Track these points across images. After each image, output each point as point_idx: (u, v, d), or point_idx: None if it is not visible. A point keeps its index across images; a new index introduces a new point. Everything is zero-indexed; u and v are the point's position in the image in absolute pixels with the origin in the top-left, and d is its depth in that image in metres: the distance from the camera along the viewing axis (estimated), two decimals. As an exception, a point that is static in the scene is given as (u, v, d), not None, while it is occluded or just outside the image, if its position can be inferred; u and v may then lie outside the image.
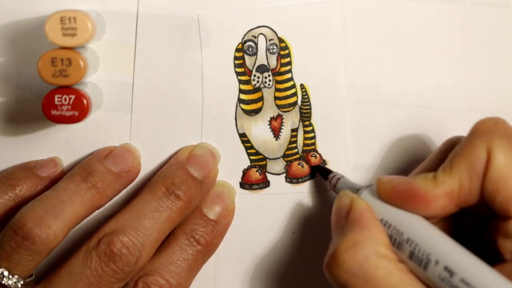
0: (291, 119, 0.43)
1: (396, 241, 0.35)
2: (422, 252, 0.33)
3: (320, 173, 0.43)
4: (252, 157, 0.44)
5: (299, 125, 0.43)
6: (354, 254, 0.33)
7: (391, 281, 0.32)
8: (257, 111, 0.43)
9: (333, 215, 0.37)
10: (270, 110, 0.43)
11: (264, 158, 0.44)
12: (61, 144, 0.43)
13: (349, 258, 0.33)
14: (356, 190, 0.38)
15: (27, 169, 0.42)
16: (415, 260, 0.33)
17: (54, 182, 0.41)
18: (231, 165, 0.44)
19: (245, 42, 0.43)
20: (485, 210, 0.34)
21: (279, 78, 0.43)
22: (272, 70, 0.43)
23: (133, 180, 0.43)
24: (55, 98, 0.39)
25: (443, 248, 0.33)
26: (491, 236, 0.34)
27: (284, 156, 0.44)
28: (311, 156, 0.44)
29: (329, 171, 0.42)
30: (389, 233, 0.35)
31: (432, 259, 0.33)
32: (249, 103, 0.43)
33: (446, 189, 0.34)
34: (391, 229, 0.35)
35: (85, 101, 0.39)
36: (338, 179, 0.41)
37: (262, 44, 0.43)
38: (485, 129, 0.34)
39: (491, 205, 0.33)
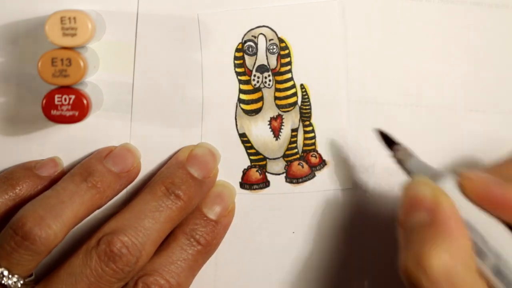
0: (291, 119, 0.43)
1: (478, 248, 0.32)
2: (510, 270, 0.31)
3: (384, 140, 0.39)
4: (252, 157, 0.44)
5: (299, 125, 0.43)
6: (442, 264, 0.31)
7: None
8: (257, 111, 0.43)
9: (405, 203, 0.34)
10: (270, 110, 0.43)
11: (264, 158, 0.44)
12: (61, 144, 0.43)
13: (436, 267, 0.31)
14: (431, 176, 0.34)
15: (27, 169, 0.42)
16: (498, 276, 0.31)
17: (54, 182, 0.41)
18: (231, 165, 0.44)
19: (245, 42, 0.43)
20: None
21: (279, 78, 0.43)
22: (272, 70, 0.43)
23: (133, 180, 0.43)
24: (55, 98, 0.39)
25: None
26: None
27: (284, 156, 0.44)
28: (311, 156, 0.44)
29: (395, 142, 0.38)
30: (470, 236, 0.32)
31: None
32: (249, 103, 0.43)
33: None
34: (474, 234, 0.32)
35: (85, 101, 0.39)
36: (409, 155, 0.37)
37: (262, 44, 0.43)
38: None
39: None
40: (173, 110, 0.43)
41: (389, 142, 0.38)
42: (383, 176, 0.43)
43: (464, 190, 0.33)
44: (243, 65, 0.43)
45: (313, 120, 0.43)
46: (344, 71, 0.43)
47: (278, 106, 0.43)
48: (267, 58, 0.43)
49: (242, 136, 0.43)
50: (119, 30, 0.42)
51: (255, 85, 0.43)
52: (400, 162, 0.37)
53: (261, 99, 0.43)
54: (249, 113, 0.43)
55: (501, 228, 0.32)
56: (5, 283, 0.37)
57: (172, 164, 0.42)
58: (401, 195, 0.34)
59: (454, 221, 0.32)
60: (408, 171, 0.37)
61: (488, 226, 0.32)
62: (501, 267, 0.31)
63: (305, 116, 0.43)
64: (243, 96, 0.43)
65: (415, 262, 0.31)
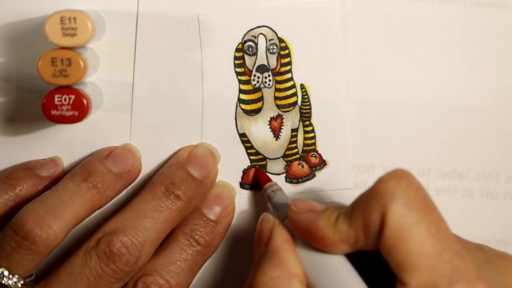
0: (291, 119, 0.43)
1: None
2: None
3: (258, 180, 0.43)
4: (252, 157, 0.44)
5: (299, 125, 0.43)
6: None
7: None
8: (257, 111, 0.43)
9: (255, 237, 0.38)
10: (270, 110, 0.43)
11: (264, 158, 0.44)
12: (61, 144, 0.43)
13: None
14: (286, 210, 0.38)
15: (27, 168, 0.42)
16: None
17: (54, 182, 0.41)
18: (231, 165, 0.44)
19: (245, 42, 0.43)
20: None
21: (279, 78, 0.43)
22: (272, 70, 0.43)
23: (133, 181, 0.43)
24: (55, 98, 0.39)
25: None
26: None
27: (284, 156, 0.44)
28: (311, 156, 0.44)
29: (267, 180, 0.42)
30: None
31: None
32: (249, 103, 0.43)
33: (343, 238, 0.33)
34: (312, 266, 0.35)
35: (85, 101, 0.39)
36: (274, 191, 0.41)
37: (262, 44, 0.43)
38: (384, 191, 0.32)
39: (388, 263, 0.33)
40: (173, 110, 0.43)
41: (264, 179, 0.43)
42: (383, 176, 0.43)
43: (290, 220, 0.36)
44: (243, 65, 0.43)
45: (313, 120, 0.43)
46: (344, 71, 0.43)
47: (278, 106, 0.43)
48: (267, 58, 0.43)
49: (242, 136, 0.43)
50: (119, 30, 0.42)
51: (255, 85, 0.43)
52: (268, 199, 0.41)
53: (261, 99, 0.43)
54: (249, 113, 0.43)
55: (318, 260, 0.35)
56: (5, 283, 0.37)
57: (172, 164, 0.42)
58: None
59: (284, 251, 0.35)
60: (272, 206, 0.41)
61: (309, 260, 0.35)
62: None
63: (305, 116, 0.43)
64: (243, 96, 0.43)
65: None
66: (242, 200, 0.44)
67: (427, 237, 0.31)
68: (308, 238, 0.35)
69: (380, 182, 0.33)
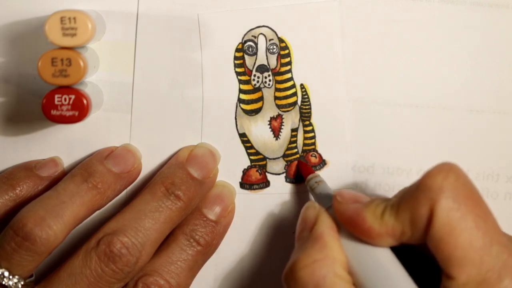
0: (291, 119, 0.43)
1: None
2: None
3: (300, 171, 0.43)
4: (252, 157, 0.44)
5: (299, 125, 0.43)
6: (312, 272, 0.33)
7: None
8: (257, 111, 0.43)
9: (298, 224, 0.38)
10: (270, 110, 0.43)
11: (264, 158, 0.44)
12: (61, 144, 0.43)
13: (306, 276, 0.33)
14: (330, 200, 0.38)
15: (27, 169, 0.42)
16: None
17: (54, 182, 0.41)
18: (231, 165, 0.44)
19: (245, 42, 0.43)
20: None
21: (279, 78, 0.43)
22: (272, 70, 0.43)
23: (133, 181, 0.43)
24: (55, 98, 0.39)
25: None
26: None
27: (284, 156, 0.44)
28: (311, 156, 0.44)
29: (310, 171, 0.42)
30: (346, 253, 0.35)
31: None
32: (249, 103, 0.43)
33: (389, 231, 0.33)
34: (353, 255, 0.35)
35: (85, 101, 0.39)
36: (317, 182, 0.41)
37: (262, 44, 0.43)
38: (432, 185, 0.32)
39: (435, 257, 0.33)
40: (173, 110, 0.43)
41: (306, 171, 0.43)
42: (383, 176, 0.43)
43: (335, 211, 0.36)
44: (243, 65, 0.43)
45: (313, 120, 0.43)
46: (344, 71, 0.43)
47: (278, 106, 0.43)
48: (267, 58, 0.43)
49: (242, 136, 0.43)
50: (119, 30, 0.42)
51: (255, 85, 0.43)
52: (310, 190, 0.41)
53: (261, 99, 0.43)
54: (249, 113, 0.43)
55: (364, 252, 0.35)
56: (6, 284, 0.37)
57: (172, 164, 0.42)
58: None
59: (328, 237, 0.35)
60: (314, 197, 0.41)
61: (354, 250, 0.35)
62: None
63: (305, 116, 0.43)
64: (243, 96, 0.43)
65: (290, 272, 0.34)
66: (242, 200, 0.44)
67: (475, 230, 0.32)
68: (352, 228, 0.35)
69: (428, 176, 0.33)
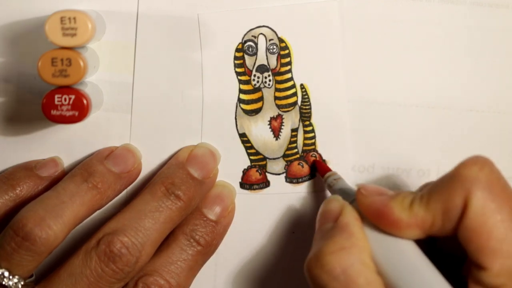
0: (291, 119, 0.43)
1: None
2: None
3: (318, 169, 0.43)
4: (252, 157, 0.44)
5: (299, 125, 0.43)
6: (339, 259, 0.33)
7: None
8: (257, 111, 0.43)
9: (319, 217, 0.38)
10: (270, 110, 0.43)
11: (264, 158, 0.44)
12: (61, 144, 0.43)
13: (334, 262, 0.33)
14: (351, 195, 0.38)
15: (27, 169, 0.42)
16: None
17: (54, 182, 0.41)
18: (231, 165, 0.44)
19: (245, 42, 0.43)
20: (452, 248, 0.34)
21: (279, 78, 0.43)
22: (272, 70, 0.43)
23: (134, 181, 0.43)
24: (55, 98, 0.39)
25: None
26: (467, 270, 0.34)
27: (284, 156, 0.44)
28: (311, 156, 0.44)
29: (328, 169, 0.43)
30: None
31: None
32: (249, 103, 0.43)
33: (418, 222, 0.33)
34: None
35: (85, 101, 0.39)
36: (336, 180, 0.41)
37: (262, 44, 0.43)
38: (467, 176, 0.33)
39: (465, 248, 0.33)
40: (173, 110, 0.43)
41: (323, 169, 0.43)
42: (383, 176, 0.43)
43: (357, 204, 0.36)
44: (243, 65, 0.43)
45: (313, 120, 0.43)
46: (344, 71, 0.43)
47: (278, 106, 0.43)
48: (267, 58, 0.43)
49: (242, 136, 0.43)
50: (119, 30, 0.42)
51: (255, 85, 0.43)
52: (328, 187, 0.42)
53: (261, 99, 0.43)
54: (249, 113, 0.43)
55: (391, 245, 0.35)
56: (6, 284, 0.37)
57: (172, 165, 0.42)
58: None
59: (354, 226, 0.35)
60: (333, 193, 0.41)
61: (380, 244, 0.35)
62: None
63: (305, 116, 0.43)
64: (243, 96, 0.43)
65: (315, 259, 0.34)
66: (242, 200, 0.44)
67: (510, 222, 0.32)
68: (378, 221, 0.35)
69: (462, 167, 0.33)
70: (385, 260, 0.34)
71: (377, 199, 0.35)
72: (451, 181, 0.33)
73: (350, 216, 0.36)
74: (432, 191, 0.34)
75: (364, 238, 0.35)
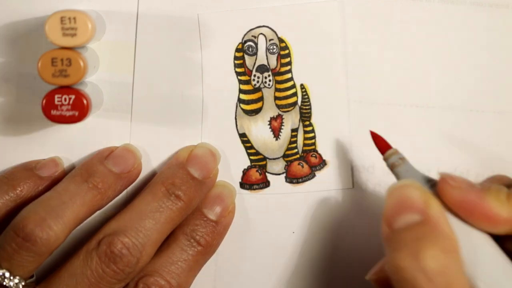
0: (291, 119, 0.43)
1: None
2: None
3: (376, 144, 0.39)
4: (252, 157, 0.44)
5: (299, 125, 0.43)
6: (439, 262, 0.31)
7: None
8: (257, 111, 0.43)
9: (395, 203, 0.34)
10: (270, 110, 0.43)
11: (264, 158, 0.44)
12: (61, 144, 0.43)
13: (434, 264, 0.31)
14: (421, 181, 0.35)
15: (27, 169, 0.42)
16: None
17: (55, 182, 0.41)
18: (231, 165, 0.44)
19: (245, 42, 0.43)
20: None
21: (279, 78, 0.43)
22: (272, 70, 0.43)
23: (134, 181, 0.43)
24: (55, 98, 0.39)
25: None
26: None
27: (284, 156, 0.44)
28: (311, 156, 0.44)
29: (389, 146, 0.38)
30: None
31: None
32: (249, 103, 0.43)
33: None
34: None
35: (85, 101, 0.39)
36: (401, 159, 0.37)
37: (262, 44, 0.43)
38: None
39: None
40: (173, 110, 0.43)
41: (382, 145, 0.39)
42: (383, 176, 0.43)
43: (441, 194, 0.34)
44: (243, 65, 0.43)
45: (313, 120, 0.43)
46: (344, 71, 0.43)
47: (278, 106, 0.43)
48: (267, 58, 0.43)
49: (242, 136, 0.43)
50: (119, 30, 0.42)
51: (255, 85, 0.43)
52: (392, 167, 0.37)
53: (261, 99, 0.43)
54: (249, 113, 0.43)
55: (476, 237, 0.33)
56: (7, 285, 0.37)
57: (173, 165, 0.42)
58: (388, 197, 0.34)
59: (443, 222, 0.32)
60: (398, 176, 0.37)
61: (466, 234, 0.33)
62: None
63: (305, 116, 0.43)
64: (243, 96, 0.43)
65: (411, 261, 0.31)
66: (242, 200, 0.44)
67: None
68: (470, 214, 0.33)
69: None
70: (469, 256, 0.32)
71: (470, 191, 0.33)
72: None
73: (440, 211, 0.33)
74: None
75: (454, 236, 0.32)
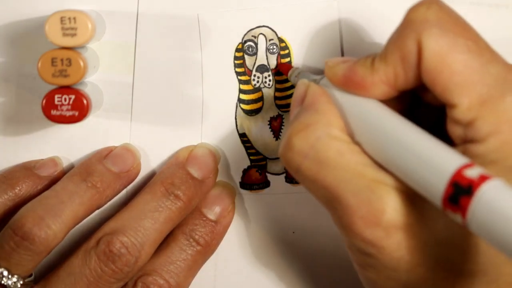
0: (291, 119, 0.43)
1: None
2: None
3: (282, 71, 0.42)
4: (252, 157, 0.44)
5: (299, 125, 0.43)
6: (306, 136, 0.33)
7: (342, 162, 0.32)
8: (257, 111, 0.43)
9: (291, 104, 0.37)
10: (270, 110, 0.43)
11: (264, 158, 0.44)
12: (61, 144, 0.43)
13: (301, 141, 0.33)
14: (313, 78, 0.38)
15: (26, 168, 0.42)
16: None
17: (54, 181, 0.41)
18: (231, 165, 0.44)
19: (245, 42, 0.43)
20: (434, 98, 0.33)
21: (279, 78, 0.43)
22: (272, 70, 0.43)
23: (133, 180, 0.43)
24: (55, 98, 0.39)
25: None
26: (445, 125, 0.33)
27: (284, 156, 0.44)
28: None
29: (290, 67, 0.42)
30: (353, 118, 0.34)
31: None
32: (249, 103, 0.43)
33: (382, 77, 0.33)
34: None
35: (85, 101, 0.39)
36: (300, 73, 0.40)
37: (262, 44, 0.43)
38: (415, 19, 0.32)
39: (433, 93, 0.32)
40: (173, 110, 0.43)
41: (286, 70, 0.42)
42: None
43: (329, 78, 0.35)
44: (243, 65, 0.43)
45: (313, 120, 0.43)
46: (344, 71, 0.43)
47: (278, 106, 0.43)
48: (267, 58, 0.43)
49: (242, 136, 0.43)
50: (119, 30, 0.42)
51: (255, 85, 0.43)
52: (295, 82, 0.39)
53: (261, 99, 0.43)
54: (249, 113, 0.43)
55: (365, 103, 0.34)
56: (5, 283, 0.37)
57: (172, 165, 0.42)
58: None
59: (320, 102, 0.34)
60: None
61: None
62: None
63: (305, 116, 0.43)
64: (243, 96, 0.43)
65: (284, 144, 0.34)
66: (242, 200, 0.44)
67: (467, 52, 0.31)
68: (347, 86, 0.34)
69: (410, 11, 0.33)
70: (358, 125, 0.33)
71: (342, 66, 0.34)
72: (402, 28, 0.32)
73: (315, 94, 0.35)
74: (388, 44, 0.33)
75: (331, 111, 0.34)
